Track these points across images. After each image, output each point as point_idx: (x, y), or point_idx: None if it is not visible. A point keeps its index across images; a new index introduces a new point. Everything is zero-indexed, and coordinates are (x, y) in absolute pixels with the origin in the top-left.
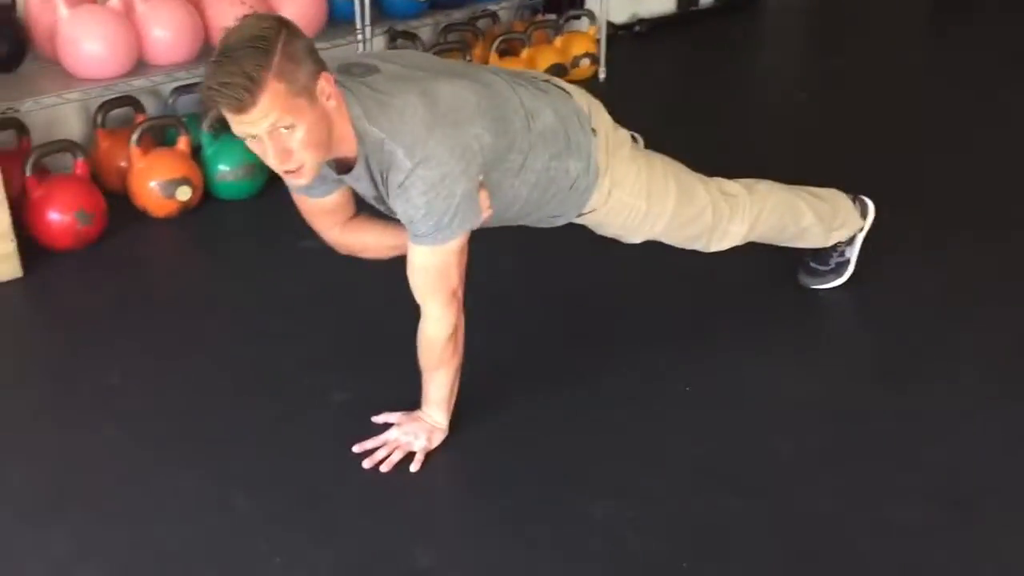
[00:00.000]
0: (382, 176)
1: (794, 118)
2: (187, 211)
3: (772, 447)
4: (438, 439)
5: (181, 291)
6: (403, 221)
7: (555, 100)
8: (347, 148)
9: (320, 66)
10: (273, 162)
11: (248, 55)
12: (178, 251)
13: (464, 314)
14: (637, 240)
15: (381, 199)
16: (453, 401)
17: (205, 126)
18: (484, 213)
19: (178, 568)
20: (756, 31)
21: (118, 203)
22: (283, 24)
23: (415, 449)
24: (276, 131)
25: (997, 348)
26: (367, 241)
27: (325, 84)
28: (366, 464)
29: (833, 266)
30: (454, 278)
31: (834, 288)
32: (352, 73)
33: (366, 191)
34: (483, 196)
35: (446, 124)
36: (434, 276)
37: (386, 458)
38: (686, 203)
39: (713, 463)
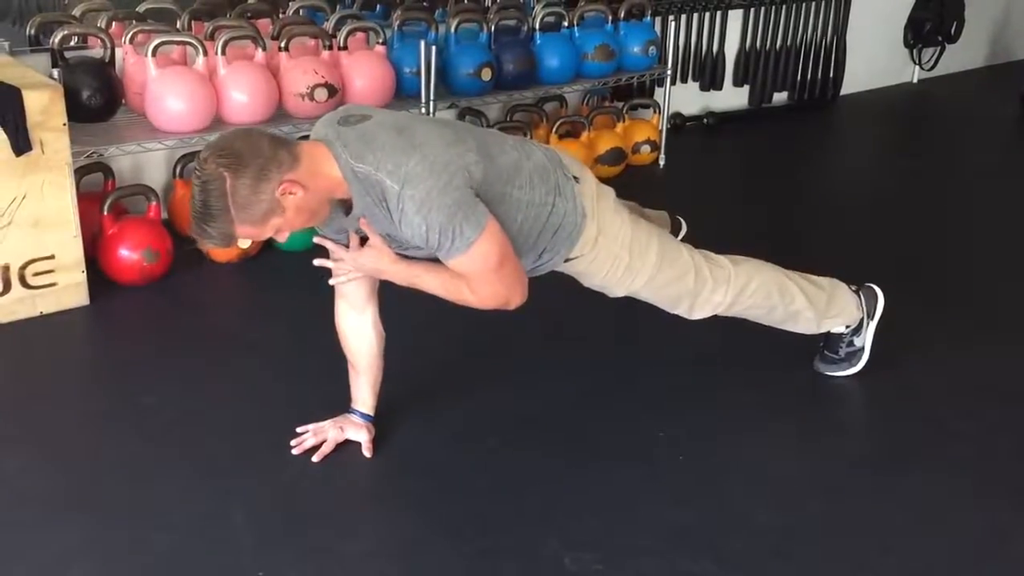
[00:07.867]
0: (386, 206)
1: (846, 214)
2: (247, 258)
3: (752, 519)
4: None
5: (228, 329)
6: (427, 248)
7: (540, 147)
8: (343, 191)
9: (277, 173)
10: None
11: (211, 217)
12: (233, 293)
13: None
14: (620, 293)
15: (401, 242)
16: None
17: None
18: None
19: (169, 571)
20: (828, 129)
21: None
22: (225, 174)
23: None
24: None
25: (999, 449)
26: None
27: (286, 188)
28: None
29: (843, 355)
30: (500, 283)
31: (855, 375)
32: (349, 122)
33: (383, 228)
34: None
35: (424, 149)
36: (481, 282)
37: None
38: (668, 263)
39: (691, 528)
